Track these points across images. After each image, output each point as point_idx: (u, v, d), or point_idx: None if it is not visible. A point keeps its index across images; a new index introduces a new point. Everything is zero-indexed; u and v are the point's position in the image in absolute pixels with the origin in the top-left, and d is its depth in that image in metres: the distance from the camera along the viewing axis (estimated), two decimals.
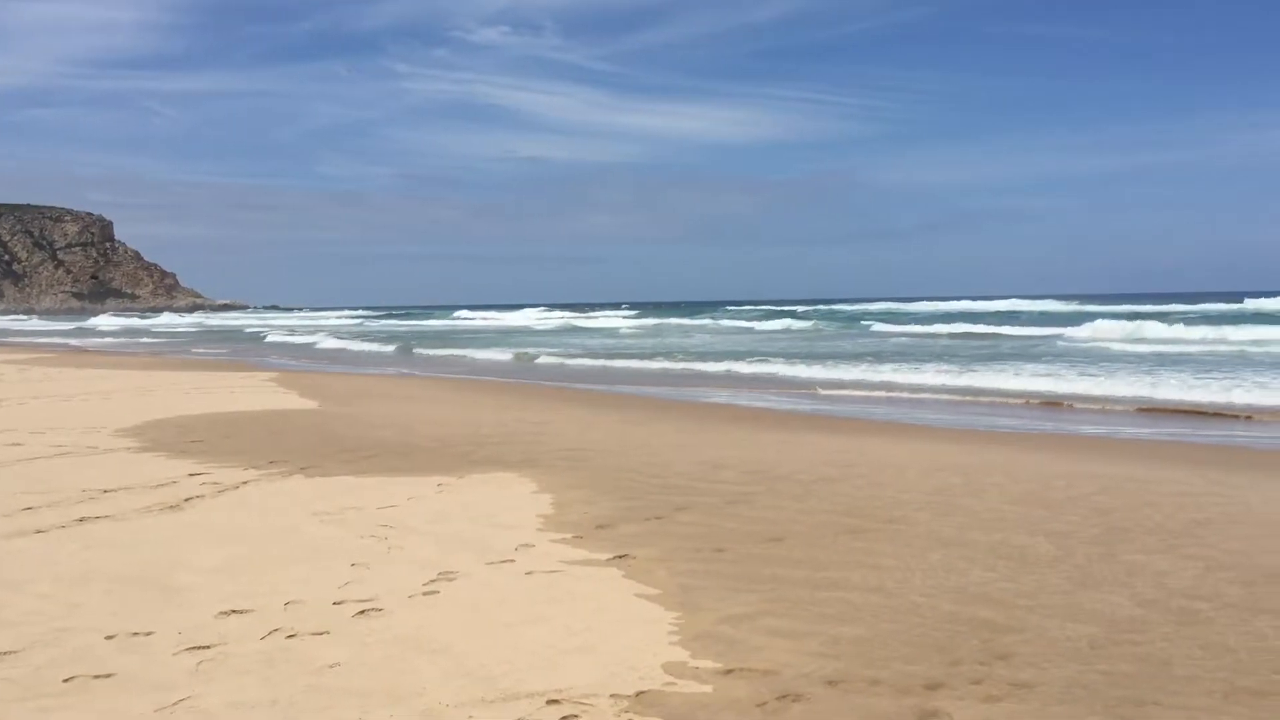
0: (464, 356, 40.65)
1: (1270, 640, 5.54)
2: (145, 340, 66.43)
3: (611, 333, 63.64)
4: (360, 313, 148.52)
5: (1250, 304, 68.49)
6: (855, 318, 75.03)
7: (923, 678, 5.03)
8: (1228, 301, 75.67)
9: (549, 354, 38.65)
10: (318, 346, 52.56)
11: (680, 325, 72.01)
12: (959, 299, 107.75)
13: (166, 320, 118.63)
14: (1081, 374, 23.40)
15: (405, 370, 33.13)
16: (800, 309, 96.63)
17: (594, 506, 9.22)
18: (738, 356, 32.63)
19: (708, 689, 4.94)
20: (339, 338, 58.83)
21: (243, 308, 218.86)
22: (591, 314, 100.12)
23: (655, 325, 72.03)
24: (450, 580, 6.85)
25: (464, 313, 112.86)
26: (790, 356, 32.15)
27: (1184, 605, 6.18)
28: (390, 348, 47.50)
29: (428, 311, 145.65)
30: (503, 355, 39.68)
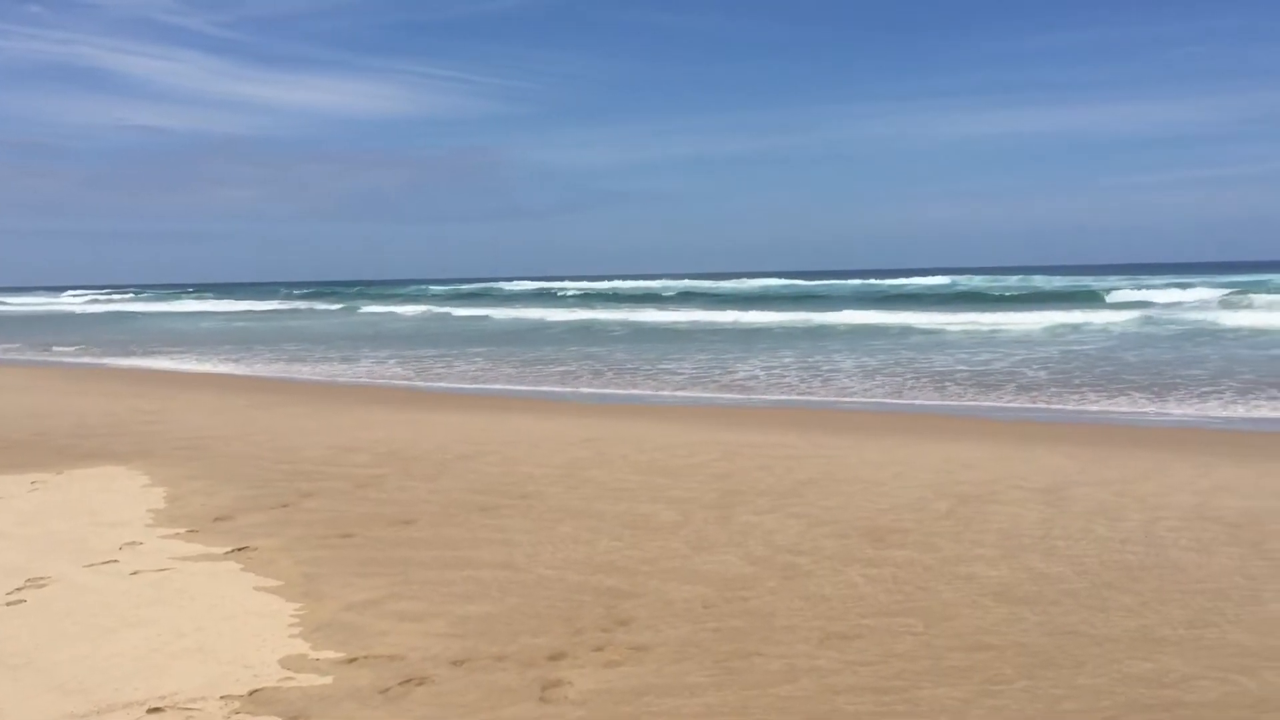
0: None
1: (860, 588, 6.06)
2: None
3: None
4: None
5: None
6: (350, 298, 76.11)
7: (547, 649, 5.09)
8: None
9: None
10: None
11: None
12: (596, 279, 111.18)
13: None
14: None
15: None
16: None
17: (213, 497, 8.66)
18: None
19: (328, 680, 4.75)
20: None
21: None
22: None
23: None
24: (40, 587, 6.19)
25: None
26: None
27: (788, 560, 6.64)
28: None
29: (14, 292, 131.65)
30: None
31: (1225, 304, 37.03)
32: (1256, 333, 27.07)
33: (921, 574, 6.31)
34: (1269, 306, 34.15)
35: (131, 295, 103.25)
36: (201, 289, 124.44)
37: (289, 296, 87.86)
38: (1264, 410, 13.97)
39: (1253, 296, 39.81)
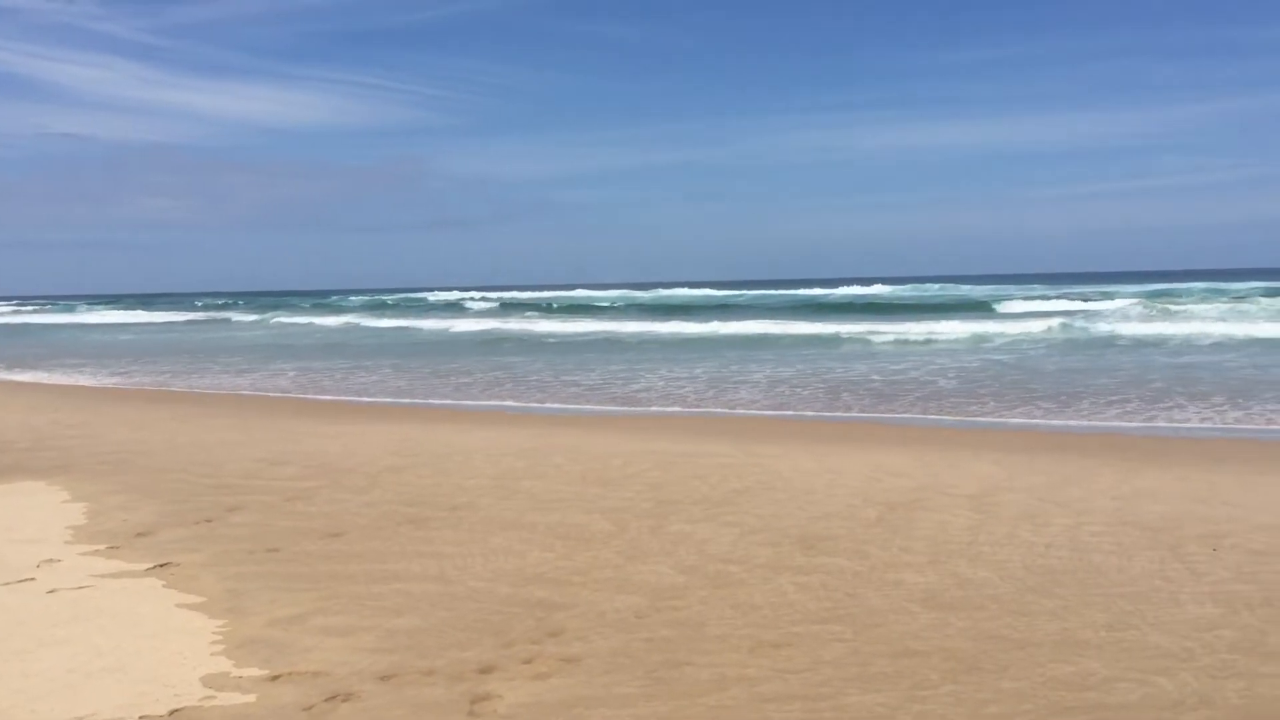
0: None
1: (790, 596, 6.09)
2: None
3: None
4: None
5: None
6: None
7: (476, 662, 5.04)
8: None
9: None
10: None
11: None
12: (526, 289, 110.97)
13: None
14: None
15: None
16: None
17: (135, 513, 8.47)
18: None
19: (251, 698, 4.65)
20: None
21: None
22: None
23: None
24: None
25: None
26: None
27: (720, 569, 6.66)
28: None
29: None
30: None
31: (1143, 313, 37.90)
32: (1164, 339, 27.76)
33: (851, 581, 6.36)
34: (1186, 315, 35.06)
35: (50, 307, 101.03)
36: (126, 299, 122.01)
37: (209, 307, 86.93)
38: (1183, 416, 14.31)
39: (1169, 304, 40.88)
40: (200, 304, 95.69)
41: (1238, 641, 5.22)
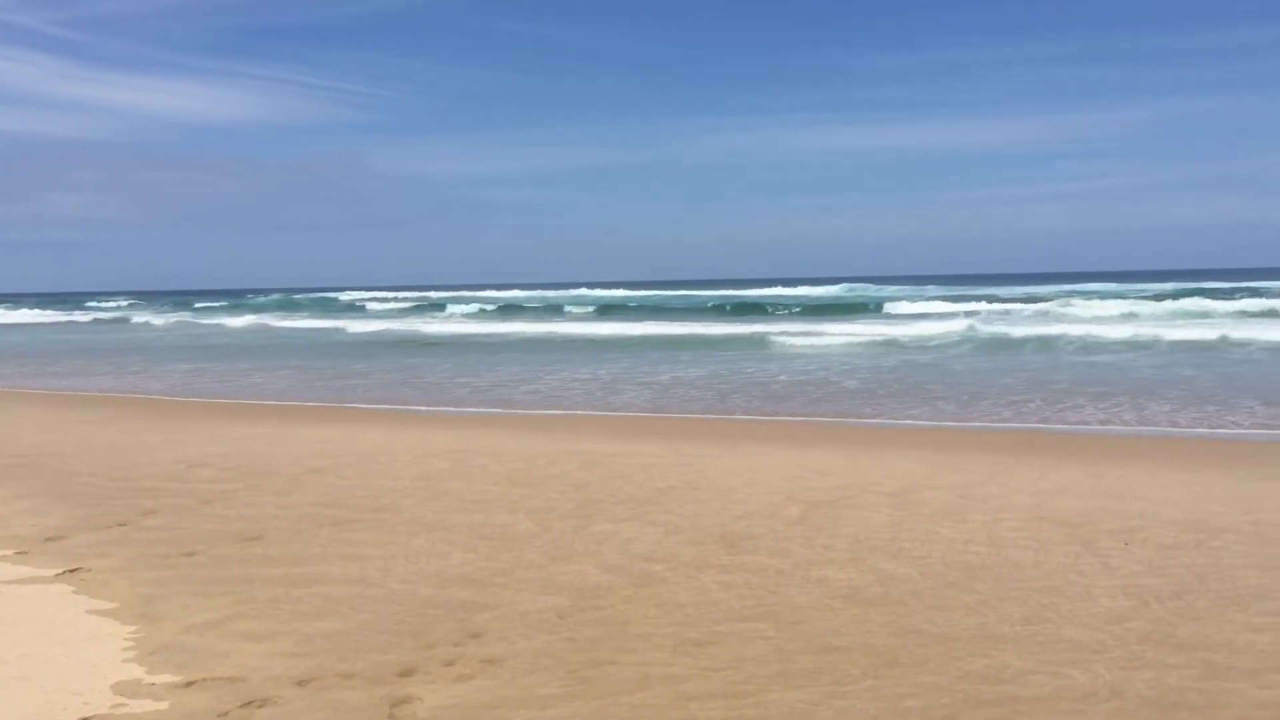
0: None
1: (713, 594, 6.11)
2: None
3: None
4: None
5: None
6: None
7: (396, 665, 4.98)
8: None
9: None
10: None
11: None
12: (457, 288, 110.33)
13: None
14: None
15: None
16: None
17: (44, 517, 8.23)
18: None
19: (163, 705, 4.54)
20: None
21: None
22: None
23: None
24: None
25: None
26: None
27: (644, 568, 6.66)
28: None
29: None
30: None
31: (1048, 314, 38.66)
32: (1066, 340, 28.36)
33: (774, 579, 6.40)
34: (1093, 318, 35.87)
35: None
36: (28, 299, 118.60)
37: (115, 307, 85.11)
38: (1083, 416, 14.64)
39: (1076, 305, 41.86)
40: (105, 304, 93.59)
41: (1148, 633, 5.35)
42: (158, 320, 63.54)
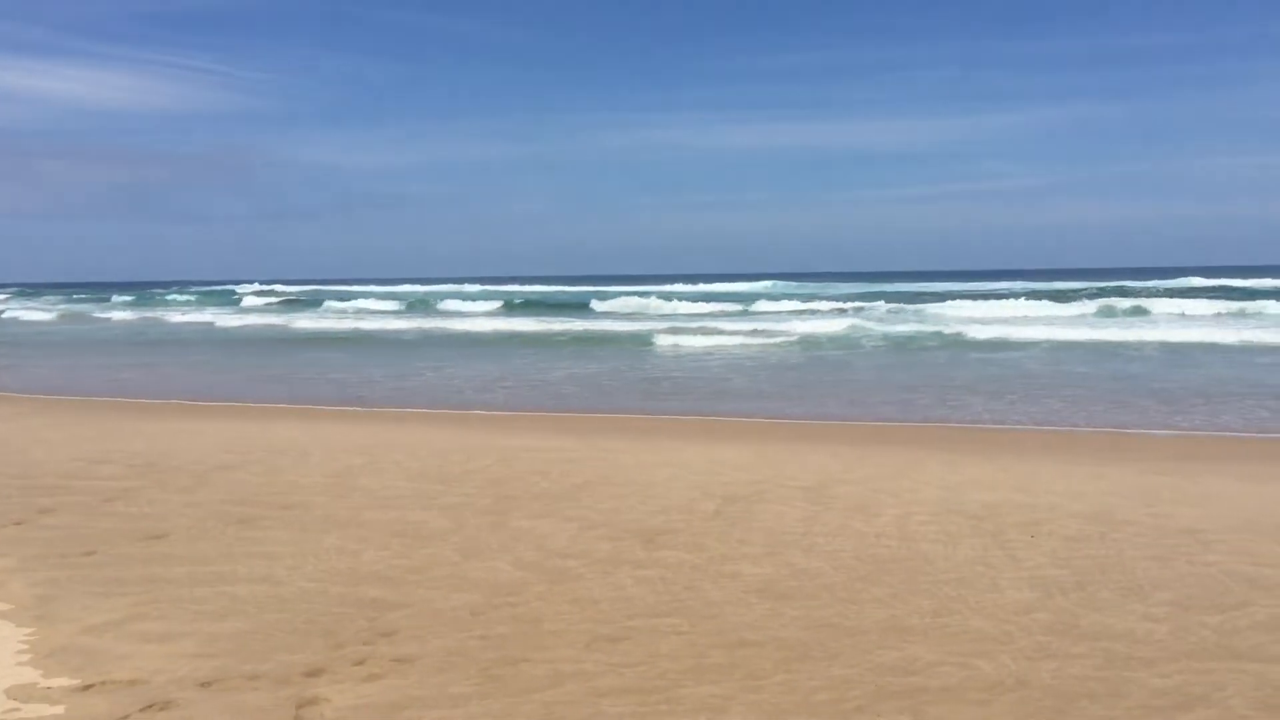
0: None
1: (628, 590, 6.10)
2: None
3: None
4: None
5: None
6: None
7: (304, 665, 4.87)
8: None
9: None
10: None
11: None
12: (366, 282, 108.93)
13: None
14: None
15: None
16: None
17: None
18: None
19: (59, 710, 4.39)
20: None
21: None
22: None
23: None
24: None
25: None
26: None
27: (559, 565, 6.62)
28: None
29: None
30: None
31: (943, 315, 39.27)
32: (977, 339, 28.90)
33: (689, 574, 6.41)
34: (1011, 319, 36.57)
35: None
36: None
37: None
38: (1004, 409, 14.97)
39: (993, 305, 42.73)
40: None
41: (1052, 624, 5.46)
42: (32, 316, 61.49)
